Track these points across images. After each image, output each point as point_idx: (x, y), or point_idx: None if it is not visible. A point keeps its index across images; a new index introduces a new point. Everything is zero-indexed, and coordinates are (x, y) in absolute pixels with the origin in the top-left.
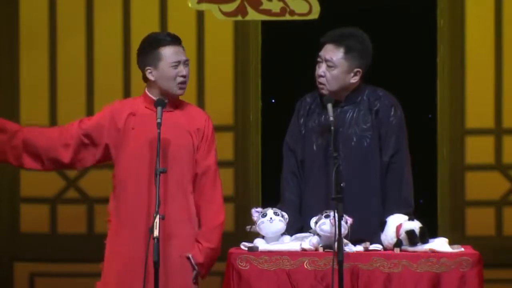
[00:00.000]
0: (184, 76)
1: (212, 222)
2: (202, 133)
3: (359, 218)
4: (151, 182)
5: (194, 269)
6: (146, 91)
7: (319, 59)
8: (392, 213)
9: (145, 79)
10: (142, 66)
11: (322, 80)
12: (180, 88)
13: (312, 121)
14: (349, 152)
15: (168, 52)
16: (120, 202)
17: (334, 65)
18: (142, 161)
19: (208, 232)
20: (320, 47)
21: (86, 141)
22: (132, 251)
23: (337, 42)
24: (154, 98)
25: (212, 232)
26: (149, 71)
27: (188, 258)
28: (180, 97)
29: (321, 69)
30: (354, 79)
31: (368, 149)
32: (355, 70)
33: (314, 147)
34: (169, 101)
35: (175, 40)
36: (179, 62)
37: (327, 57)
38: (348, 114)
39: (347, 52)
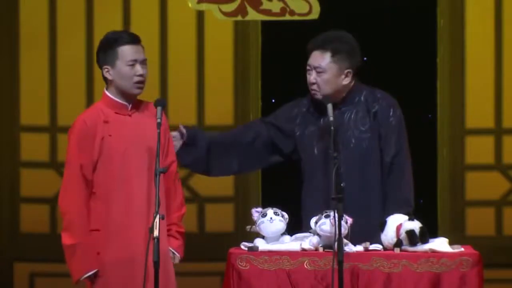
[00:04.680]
0: (141, 75)
1: (179, 212)
2: (164, 128)
3: (359, 219)
4: (142, 183)
5: (173, 257)
6: (108, 94)
7: (308, 68)
8: (392, 213)
9: (105, 78)
10: (100, 65)
11: (314, 87)
12: (137, 88)
13: (312, 125)
14: (348, 154)
15: (125, 51)
16: (109, 208)
17: (323, 70)
18: (128, 165)
19: (179, 220)
20: (307, 55)
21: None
22: (127, 255)
23: (322, 47)
24: (120, 101)
25: (181, 220)
26: (106, 70)
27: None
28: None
29: (312, 76)
30: (346, 81)
31: (367, 151)
32: (346, 71)
33: (315, 151)
34: (130, 102)
35: (134, 39)
36: (135, 61)
37: (315, 64)
38: (346, 116)
39: (333, 55)
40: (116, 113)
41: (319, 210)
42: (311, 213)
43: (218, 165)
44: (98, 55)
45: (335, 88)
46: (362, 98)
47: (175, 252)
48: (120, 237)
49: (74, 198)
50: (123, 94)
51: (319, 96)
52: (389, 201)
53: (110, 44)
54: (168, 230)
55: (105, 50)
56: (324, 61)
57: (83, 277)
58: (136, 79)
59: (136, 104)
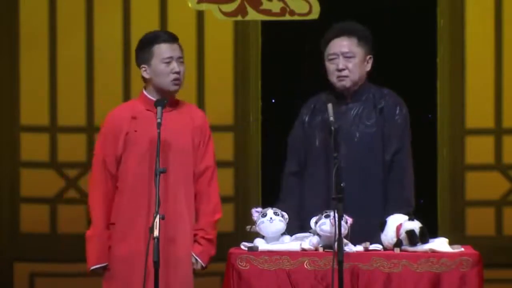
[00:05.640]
0: (177, 73)
1: (210, 218)
2: (200, 132)
3: (359, 213)
4: (162, 181)
5: (196, 263)
6: (144, 92)
7: (333, 56)
8: (392, 213)
9: (144, 78)
10: (138, 64)
11: (344, 73)
12: (174, 84)
13: (317, 117)
14: (351, 148)
15: (160, 49)
16: (124, 204)
17: (353, 55)
18: (147, 163)
19: (208, 226)
20: (323, 45)
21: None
22: (134, 252)
23: (347, 33)
24: (153, 99)
25: (211, 226)
26: (144, 69)
27: (192, 255)
28: (180, 96)
29: (341, 63)
30: (368, 67)
31: (370, 145)
32: (367, 57)
33: (317, 143)
34: (168, 101)
35: (170, 38)
36: (171, 58)
37: (344, 49)
38: (352, 112)
39: (359, 40)
40: (147, 110)
41: (317, 204)
42: (310, 207)
43: None
44: (136, 55)
45: (361, 73)
46: (370, 95)
47: (198, 258)
48: (130, 234)
49: (95, 192)
50: (160, 92)
51: (347, 82)
52: (389, 200)
53: (147, 43)
54: (195, 235)
55: (142, 49)
56: (352, 46)
57: (92, 268)
58: (173, 76)
59: (173, 103)
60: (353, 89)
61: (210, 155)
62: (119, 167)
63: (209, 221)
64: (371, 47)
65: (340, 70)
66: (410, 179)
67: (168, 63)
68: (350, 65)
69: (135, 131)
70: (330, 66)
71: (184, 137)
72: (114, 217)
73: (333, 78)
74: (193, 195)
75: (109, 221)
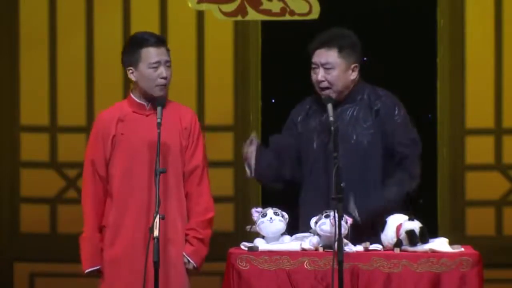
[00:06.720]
0: (164, 78)
1: (201, 217)
2: (188, 133)
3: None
4: (150, 183)
5: (187, 263)
6: (131, 93)
7: (314, 66)
8: (394, 185)
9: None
10: (124, 65)
11: (323, 84)
12: (160, 90)
13: (313, 120)
14: (348, 150)
15: (148, 53)
16: (117, 206)
17: (332, 66)
18: (136, 164)
19: (199, 225)
20: (310, 54)
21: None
22: (132, 252)
23: (328, 44)
24: (139, 101)
25: (202, 226)
26: (130, 71)
27: (183, 255)
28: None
29: (320, 74)
30: (353, 75)
31: (368, 147)
32: (352, 66)
33: (315, 146)
34: (152, 102)
35: (158, 41)
36: (159, 62)
37: (323, 61)
38: (348, 113)
39: (340, 50)
40: (134, 112)
41: (317, 207)
42: (308, 211)
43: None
44: (122, 56)
45: (344, 83)
46: (365, 96)
47: (189, 259)
48: (119, 237)
49: (86, 194)
50: (145, 95)
51: (332, 95)
52: (391, 177)
53: (134, 45)
54: (186, 235)
55: (129, 51)
56: (331, 57)
57: (86, 271)
58: (159, 81)
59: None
60: (340, 96)
61: (199, 154)
62: (108, 169)
63: (200, 221)
64: (358, 55)
65: (319, 82)
66: (416, 163)
67: (156, 68)
68: (329, 77)
69: (122, 134)
70: (313, 76)
71: (172, 138)
72: (105, 219)
73: (316, 88)
74: (183, 196)
75: (101, 223)
